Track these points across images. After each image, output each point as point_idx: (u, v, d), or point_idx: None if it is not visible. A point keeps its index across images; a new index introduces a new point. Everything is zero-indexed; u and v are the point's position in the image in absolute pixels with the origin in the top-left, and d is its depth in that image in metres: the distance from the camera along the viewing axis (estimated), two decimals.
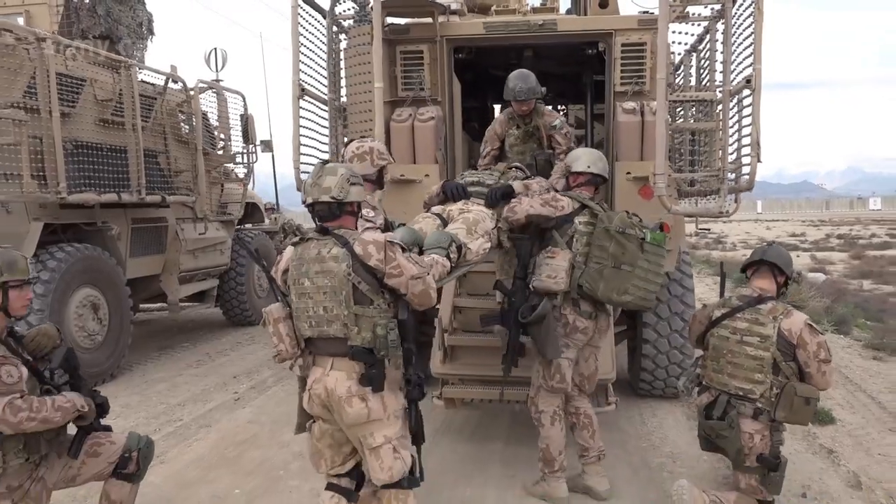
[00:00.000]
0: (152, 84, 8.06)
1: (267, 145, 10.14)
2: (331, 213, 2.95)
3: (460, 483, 4.28)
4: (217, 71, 9.59)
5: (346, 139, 5.54)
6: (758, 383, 3.57)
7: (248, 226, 10.79)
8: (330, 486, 3.12)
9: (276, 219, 11.63)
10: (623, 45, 5.28)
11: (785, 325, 3.57)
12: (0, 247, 3.21)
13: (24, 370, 3.01)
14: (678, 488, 3.64)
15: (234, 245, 9.78)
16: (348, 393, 2.84)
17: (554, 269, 3.82)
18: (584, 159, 4.19)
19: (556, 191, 4.29)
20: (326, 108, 5.57)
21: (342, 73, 5.63)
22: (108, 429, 3.40)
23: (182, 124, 8.54)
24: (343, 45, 5.64)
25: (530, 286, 3.92)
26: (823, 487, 4.16)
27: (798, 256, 17.61)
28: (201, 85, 8.58)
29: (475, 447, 4.89)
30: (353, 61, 5.37)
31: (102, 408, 3.30)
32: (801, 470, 4.37)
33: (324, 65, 5.50)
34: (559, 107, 8.67)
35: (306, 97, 5.26)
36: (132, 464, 3.32)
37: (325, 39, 5.47)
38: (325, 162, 3.19)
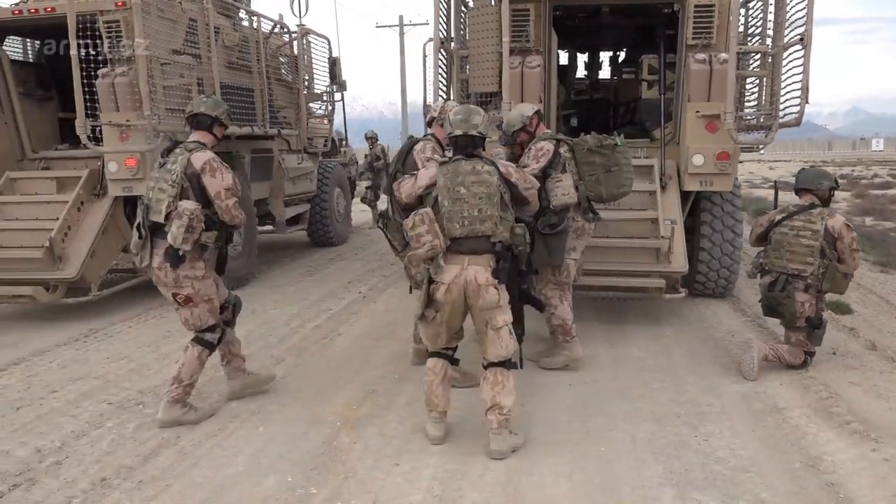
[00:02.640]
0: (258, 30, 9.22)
1: (342, 85, 11.28)
2: (472, 144, 3.81)
3: None
4: (300, 16, 10.64)
5: (461, 84, 6.85)
6: (809, 265, 4.95)
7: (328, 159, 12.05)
8: (435, 355, 3.95)
9: (345, 151, 12.87)
10: (696, 6, 6.46)
11: (829, 223, 4.94)
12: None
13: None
14: (747, 339, 5.08)
15: (319, 174, 11.10)
16: (487, 282, 3.67)
17: (565, 187, 4.78)
18: (525, 105, 5.20)
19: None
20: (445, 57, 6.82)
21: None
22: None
23: (282, 66, 9.73)
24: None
25: (550, 206, 4.72)
26: (848, 349, 5.59)
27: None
28: (301, 30, 9.73)
29: None
30: (476, 19, 6.57)
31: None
32: (829, 339, 5.76)
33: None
34: (618, 52, 9.82)
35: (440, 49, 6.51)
36: (227, 312, 4.43)
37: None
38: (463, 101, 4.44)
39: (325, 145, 11.13)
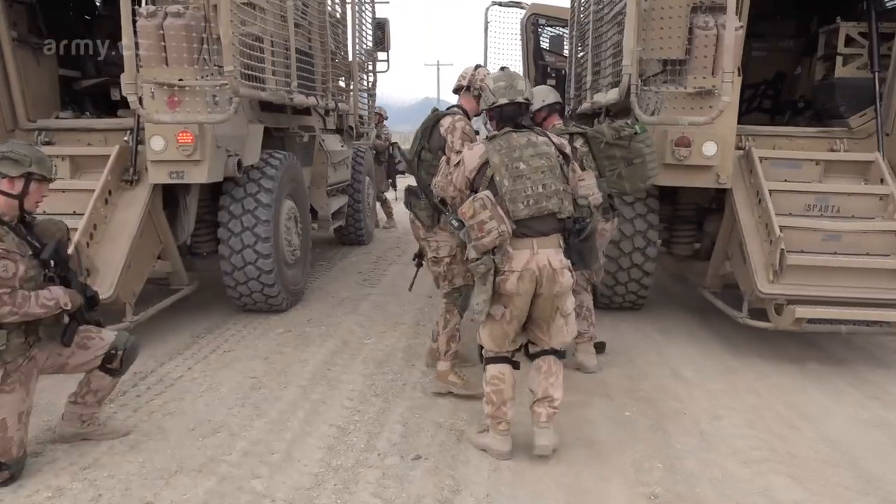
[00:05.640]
0: None
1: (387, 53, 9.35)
2: (518, 113, 3.49)
3: None
4: None
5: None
6: None
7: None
8: (499, 360, 3.49)
9: (367, 133, 10.95)
10: None
11: None
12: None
13: (22, 267, 3.11)
14: None
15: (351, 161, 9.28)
16: (560, 265, 3.32)
17: (588, 187, 4.04)
18: (537, 97, 4.64)
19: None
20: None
21: None
22: (99, 323, 3.57)
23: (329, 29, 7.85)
24: None
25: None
26: None
27: None
28: None
29: None
30: None
31: (93, 300, 3.47)
32: None
33: None
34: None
35: None
36: (116, 361, 3.49)
37: None
38: (503, 68, 3.83)
39: (363, 125, 9.27)
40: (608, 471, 3.41)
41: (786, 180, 5.32)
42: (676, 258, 6.46)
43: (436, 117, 4.31)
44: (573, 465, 3.46)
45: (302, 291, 6.57)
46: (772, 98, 7.46)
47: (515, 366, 3.53)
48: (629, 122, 4.45)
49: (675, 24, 5.03)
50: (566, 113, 7.74)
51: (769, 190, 5.07)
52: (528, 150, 3.35)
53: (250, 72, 5.00)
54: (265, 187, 5.70)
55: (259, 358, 4.93)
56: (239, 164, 5.46)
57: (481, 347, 3.57)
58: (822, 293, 4.69)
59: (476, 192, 3.33)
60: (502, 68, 3.90)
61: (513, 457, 3.47)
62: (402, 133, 30.11)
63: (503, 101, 3.45)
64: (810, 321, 4.62)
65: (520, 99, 3.46)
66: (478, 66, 4.44)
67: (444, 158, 4.00)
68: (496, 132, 3.48)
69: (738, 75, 5.11)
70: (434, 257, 4.28)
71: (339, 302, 6.56)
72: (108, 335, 3.51)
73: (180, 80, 4.85)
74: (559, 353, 3.53)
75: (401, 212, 8.56)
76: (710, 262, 5.79)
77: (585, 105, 6.71)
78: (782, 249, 4.67)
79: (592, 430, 3.84)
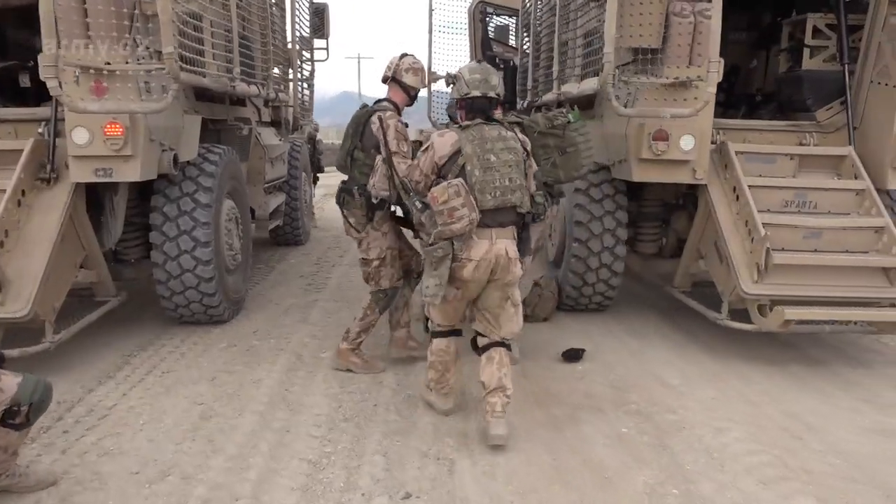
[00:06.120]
0: None
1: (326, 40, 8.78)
2: (488, 106, 3.57)
3: None
4: None
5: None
6: None
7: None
8: (442, 334, 3.72)
9: (303, 126, 10.35)
10: None
11: None
12: None
13: None
14: None
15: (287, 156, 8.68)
16: (515, 255, 3.48)
17: None
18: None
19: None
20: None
21: None
22: None
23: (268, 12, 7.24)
24: None
25: None
26: None
27: None
28: None
29: None
30: None
31: None
32: None
33: None
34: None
35: None
36: (20, 416, 2.82)
37: None
38: (479, 61, 4.01)
39: (302, 117, 8.68)
40: (619, 498, 3.08)
41: (760, 175, 5.14)
42: (641, 257, 6.23)
43: (367, 114, 4.21)
44: (581, 493, 3.11)
45: (243, 299, 5.99)
46: (726, 91, 7.32)
47: (458, 333, 3.77)
48: (563, 110, 4.34)
49: (653, 9, 4.79)
50: (522, 105, 7.44)
51: (748, 185, 4.87)
52: (499, 144, 3.45)
53: (189, 54, 4.43)
54: (204, 186, 5.11)
55: (205, 379, 4.36)
56: (175, 159, 4.85)
57: (427, 320, 3.81)
58: (808, 293, 4.52)
59: (443, 178, 3.41)
60: (479, 61, 3.78)
61: (513, 475, 3.10)
62: (322, 128, 29.43)
63: (476, 93, 3.53)
64: (798, 323, 4.44)
65: (491, 94, 3.56)
66: (403, 55, 4.37)
67: (379, 157, 4.06)
68: (468, 122, 3.52)
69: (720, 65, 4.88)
70: (364, 258, 4.35)
71: (285, 310, 6.01)
72: (9, 384, 2.79)
73: (108, 63, 4.23)
74: (507, 345, 3.66)
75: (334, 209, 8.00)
76: (681, 260, 5.58)
77: (549, 96, 6.38)
78: (768, 248, 4.48)
79: (592, 451, 3.51)
